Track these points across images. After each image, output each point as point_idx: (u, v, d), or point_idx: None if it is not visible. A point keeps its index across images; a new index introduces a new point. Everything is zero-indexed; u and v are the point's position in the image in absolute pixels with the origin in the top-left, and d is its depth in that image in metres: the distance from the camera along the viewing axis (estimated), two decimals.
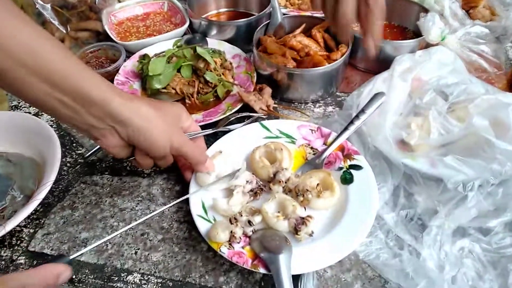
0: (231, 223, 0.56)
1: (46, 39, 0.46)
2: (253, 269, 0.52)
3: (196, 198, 0.60)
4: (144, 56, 0.83)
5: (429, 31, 0.78)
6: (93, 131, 0.51)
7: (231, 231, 0.54)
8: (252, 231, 0.56)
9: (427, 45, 0.81)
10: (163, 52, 0.83)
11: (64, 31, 0.89)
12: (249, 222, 0.56)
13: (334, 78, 0.82)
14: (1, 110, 0.75)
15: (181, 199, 0.59)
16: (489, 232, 0.59)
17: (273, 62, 0.79)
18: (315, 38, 0.87)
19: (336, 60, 0.79)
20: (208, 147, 0.66)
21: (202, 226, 0.57)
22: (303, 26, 0.89)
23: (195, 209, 0.58)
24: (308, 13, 0.97)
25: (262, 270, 0.52)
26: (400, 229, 0.60)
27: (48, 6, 0.83)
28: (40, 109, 0.50)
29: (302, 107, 0.82)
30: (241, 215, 0.57)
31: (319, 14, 0.96)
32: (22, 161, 0.65)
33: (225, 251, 0.54)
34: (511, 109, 0.61)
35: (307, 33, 0.89)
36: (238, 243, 0.55)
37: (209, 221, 0.57)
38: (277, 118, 0.76)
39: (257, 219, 0.57)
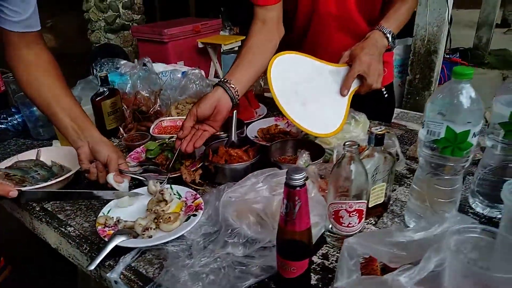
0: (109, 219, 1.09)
1: (76, 105, 1.18)
2: (104, 239, 1.01)
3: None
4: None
5: (299, 161, 1.19)
6: (79, 143, 1.17)
7: (106, 219, 1.06)
8: (123, 227, 1.06)
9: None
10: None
11: (134, 124, 1.65)
12: (118, 220, 1.07)
13: (242, 176, 1.27)
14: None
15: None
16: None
17: (210, 160, 1.32)
18: (248, 152, 1.36)
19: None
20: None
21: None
22: (247, 146, 1.40)
23: (105, 209, 1.13)
24: (263, 143, 1.48)
25: (105, 239, 1.00)
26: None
27: (129, 119, 1.63)
28: (59, 128, 1.19)
29: None
30: (119, 221, 1.08)
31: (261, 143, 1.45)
32: (64, 167, 1.33)
33: (98, 227, 1.05)
34: None
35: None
36: (109, 227, 1.05)
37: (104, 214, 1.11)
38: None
39: (128, 223, 1.07)
